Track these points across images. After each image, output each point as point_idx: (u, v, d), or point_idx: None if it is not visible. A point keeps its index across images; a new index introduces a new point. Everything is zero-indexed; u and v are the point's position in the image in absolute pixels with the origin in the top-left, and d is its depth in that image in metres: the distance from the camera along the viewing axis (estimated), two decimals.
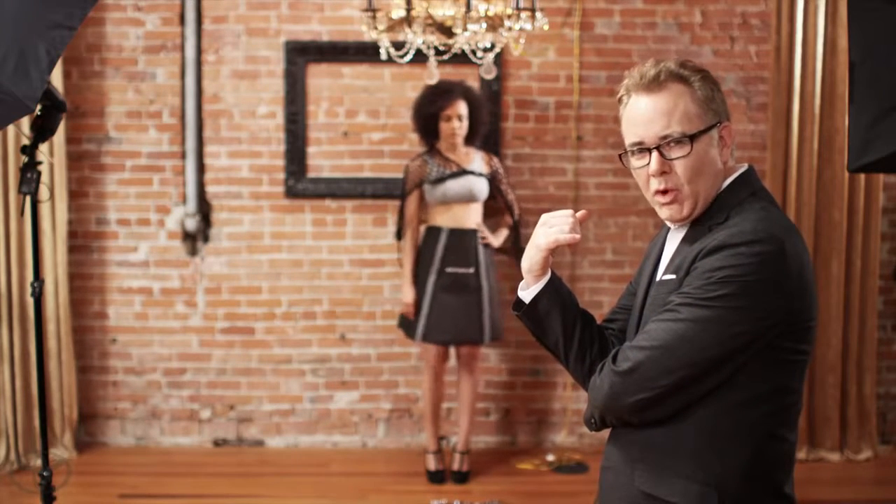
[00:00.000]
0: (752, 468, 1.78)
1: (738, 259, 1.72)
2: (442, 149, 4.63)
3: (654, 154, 1.85)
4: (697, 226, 1.87)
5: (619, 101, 1.94)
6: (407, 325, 4.67)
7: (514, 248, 4.70)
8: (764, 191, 1.90)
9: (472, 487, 4.56)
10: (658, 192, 1.87)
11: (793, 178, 4.89)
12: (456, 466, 4.69)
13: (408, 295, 4.62)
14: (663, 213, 1.89)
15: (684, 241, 1.89)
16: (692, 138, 1.82)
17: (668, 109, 1.85)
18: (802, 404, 1.89)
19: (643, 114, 1.87)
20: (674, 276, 1.83)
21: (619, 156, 1.96)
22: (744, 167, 1.91)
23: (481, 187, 4.62)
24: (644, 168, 1.89)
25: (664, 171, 1.85)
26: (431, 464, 4.70)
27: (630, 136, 1.93)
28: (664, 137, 1.84)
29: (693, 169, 1.83)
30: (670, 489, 1.80)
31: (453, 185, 4.58)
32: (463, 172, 4.58)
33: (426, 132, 4.63)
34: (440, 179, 4.57)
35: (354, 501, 4.44)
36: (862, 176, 4.87)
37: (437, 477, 4.66)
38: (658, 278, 1.90)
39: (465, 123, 4.58)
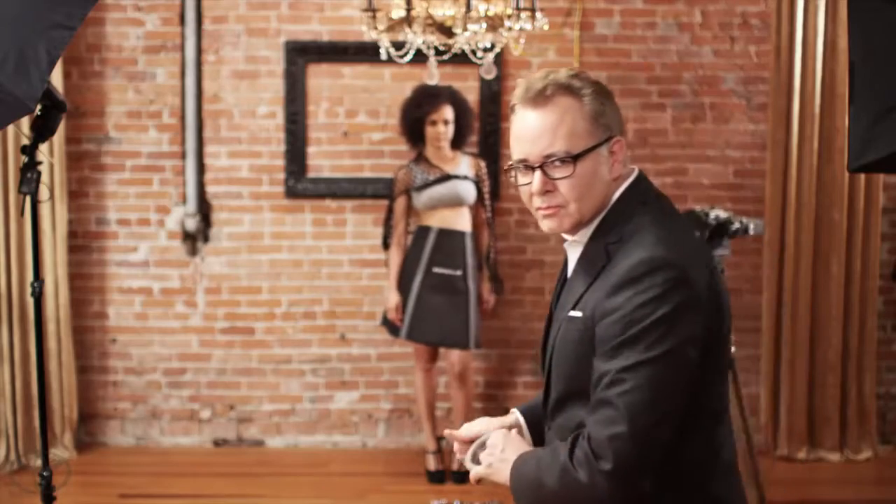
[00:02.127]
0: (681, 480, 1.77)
1: (647, 294, 1.67)
2: (428, 153, 4.65)
3: (538, 173, 1.77)
4: (593, 243, 1.81)
5: (511, 110, 1.84)
6: (390, 323, 4.69)
7: (491, 273, 4.80)
8: (654, 197, 1.87)
9: (472, 487, 4.53)
10: (539, 207, 1.81)
11: (793, 178, 4.89)
12: (456, 466, 4.69)
13: (391, 299, 4.64)
14: (544, 224, 1.83)
15: (583, 262, 1.83)
16: (576, 158, 1.76)
17: (554, 126, 1.77)
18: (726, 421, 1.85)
19: (528, 130, 1.78)
20: (580, 315, 1.77)
21: (505, 170, 1.89)
22: (633, 174, 1.86)
23: (468, 190, 4.63)
24: (528, 185, 1.80)
25: (548, 191, 1.78)
26: (431, 464, 4.70)
27: (515, 152, 1.82)
28: (548, 156, 1.76)
29: (577, 189, 1.77)
30: None
31: (439, 190, 4.59)
32: (447, 177, 4.59)
33: (412, 135, 4.67)
34: (425, 186, 4.59)
35: (354, 501, 4.44)
36: (862, 176, 4.86)
37: (436, 477, 4.66)
38: (566, 313, 1.81)
39: (451, 128, 4.60)
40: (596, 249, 1.79)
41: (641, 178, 1.87)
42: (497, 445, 1.85)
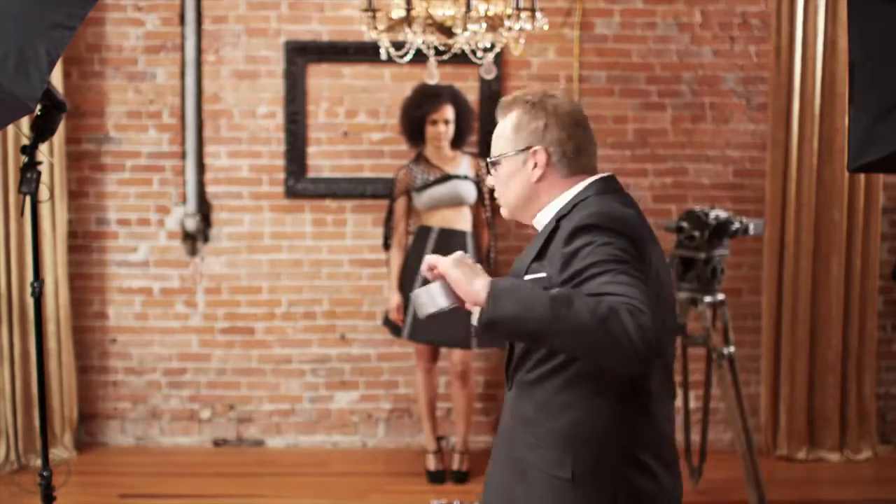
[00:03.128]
0: (602, 436, 1.90)
1: (597, 235, 1.87)
2: (428, 153, 4.65)
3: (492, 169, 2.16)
4: (546, 223, 2.06)
5: None
6: (392, 324, 4.68)
7: (492, 273, 4.74)
8: (613, 191, 2.04)
9: (472, 487, 4.55)
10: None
11: (793, 178, 4.89)
12: (456, 466, 4.69)
13: (392, 300, 4.64)
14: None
15: (538, 236, 2.08)
16: (494, 163, 2.13)
17: (497, 134, 2.14)
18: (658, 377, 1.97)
19: None
20: (545, 274, 1.92)
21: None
22: (588, 180, 2.06)
23: (469, 190, 4.63)
24: None
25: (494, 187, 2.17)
26: (431, 464, 4.70)
27: None
28: (492, 157, 2.15)
29: (498, 187, 2.14)
30: (539, 458, 1.93)
31: (439, 190, 4.59)
32: (447, 178, 4.59)
33: (412, 135, 4.66)
34: (425, 186, 4.58)
35: (354, 501, 4.44)
36: (862, 176, 4.87)
37: (436, 477, 4.66)
38: (522, 276, 2.00)
39: (452, 127, 4.60)
40: (548, 224, 2.04)
41: (600, 181, 2.06)
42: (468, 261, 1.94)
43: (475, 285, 1.86)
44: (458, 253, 1.95)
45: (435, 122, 4.58)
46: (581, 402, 1.91)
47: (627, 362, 1.74)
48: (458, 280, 1.88)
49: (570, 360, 1.91)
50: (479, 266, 1.93)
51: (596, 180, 2.07)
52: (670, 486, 1.97)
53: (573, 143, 2.06)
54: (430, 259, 1.95)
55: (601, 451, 1.90)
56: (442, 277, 1.93)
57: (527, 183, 2.08)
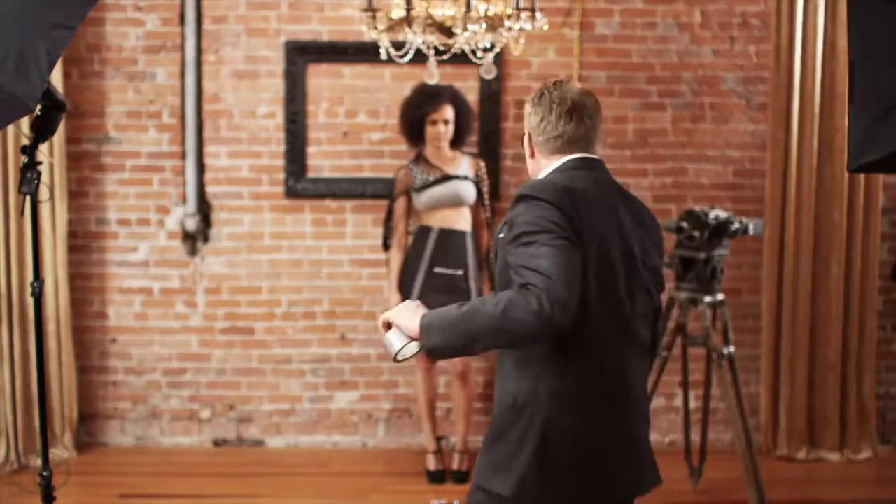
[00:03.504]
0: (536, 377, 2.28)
1: (530, 204, 2.23)
2: (427, 153, 4.65)
3: None
4: None
5: None
6: None
7: (492, 273, 4.75)
8: (580, 168, 2.39)
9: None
10: None
11: (792, 178, 4.89)
12: (455, 466, 4.70)
13: (392, 300, 4.64)
14: None
15: None
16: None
17: None
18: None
19: None
20: (501, 235, 2.31)
21: None
22: (566, 157, 2.41)
23: (468, 190, 4.63)
24: None
25: None
26: (431, 464, 4.70)
27: None
28: None
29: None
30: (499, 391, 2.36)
31: (439, 190, 4.59)
32: (447, 178, 4.59)
33: (412, 134, 4.66)
34: (425, 186, 4.58)
35: (354, 501, 4.45)
36: (862, 176, 4.87)
37: (436, 477, 4.66)
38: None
39: (451, 127, 4.60)
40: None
41: (571, 160, 2.40)
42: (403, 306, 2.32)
43: (414, 323, 2.23)
44: (406, 301, 2.33)
45: (435, 122, 4.58)
46: (525, 358, 2.29)
47: (540, 334, 2.11)
48: (402, 322, 2.26)
49: None
50: (419, 306, 2.28)
51: (571, 159, 2.40)
52: (596, 423, 2.27)
53: (557, 128, 2.39)
54: (382, 317, 2.33)
55: (532, 390, 2.26)
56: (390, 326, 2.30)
57: (528, 159, 2.50)
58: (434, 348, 2.21)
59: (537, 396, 2.26)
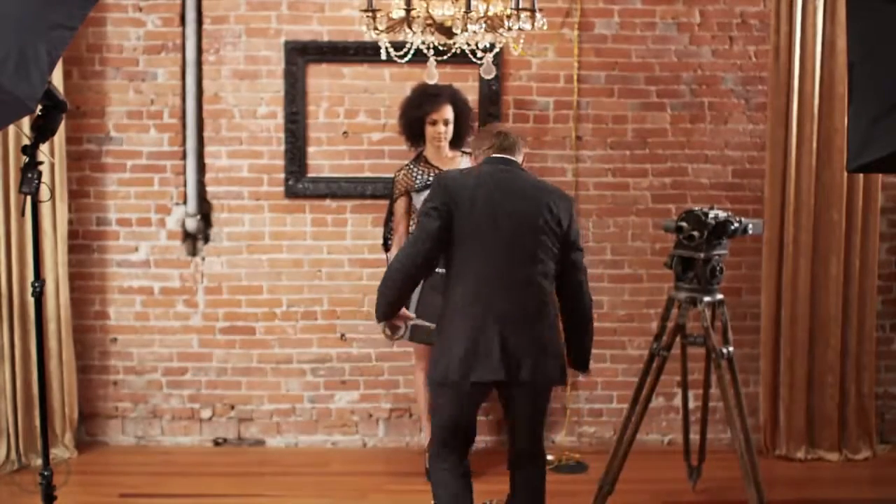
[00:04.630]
0: None
1: (430, 191, 3.41)
2: (427, 153, 4.65)
3: None
4: None
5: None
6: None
7: None
8: (484, 164, 3.46)
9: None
10: None
11: (791, 178, 4.90)
12: None
13: None
14: None
15: None
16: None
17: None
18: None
19: None
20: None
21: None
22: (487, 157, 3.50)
23: None
24: None
25: None
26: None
27: None
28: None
29: None
30: None
31: None
32: None
33: (411, 134, 4.66)
34: (426, 187, 4.58)
35: (354, 501, 4.45)
36: (861, 176, 4.87)
37: None
38: None
39: (451, 128, 4.60)
40: None
41: (486, 160, 3.48)
42: None
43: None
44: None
45: (434, 123, 4.58)
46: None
47: (401, 279, 3.37)
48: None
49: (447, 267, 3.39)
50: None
51: (486, 158, 3.47)
52: (456, 329, 3.30)
53: (485, 144, 3.52)
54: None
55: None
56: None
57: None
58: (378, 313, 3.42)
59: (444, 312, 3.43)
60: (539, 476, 3.48)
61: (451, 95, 4.63)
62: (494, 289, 3.29)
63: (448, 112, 4.58)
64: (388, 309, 3.38)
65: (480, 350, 3.24)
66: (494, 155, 3.44)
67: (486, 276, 3.29)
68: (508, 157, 3.43)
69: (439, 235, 3.27)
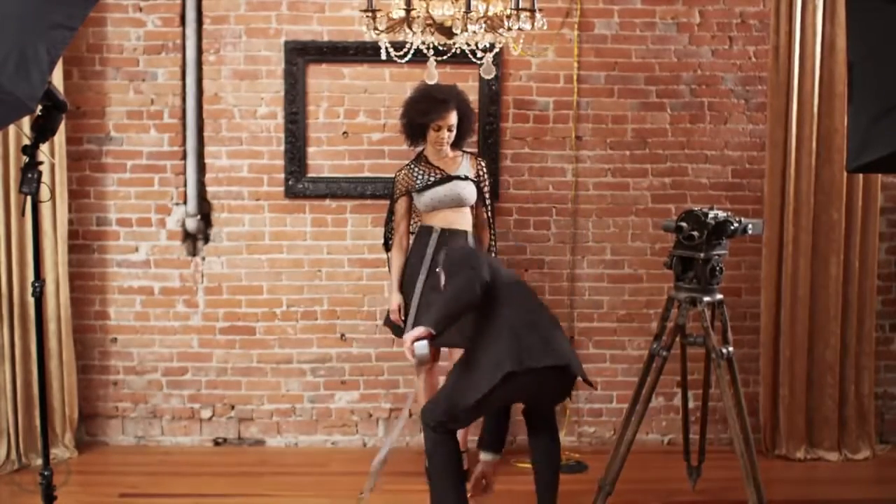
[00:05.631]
0: None
1: None
2: (428, 153, 4.65)
3: None
4: None
5: None
6: (394, 324, 4.68)
7: None
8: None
9: (470, 487, 4.55)
10: None
11: (791, 178, 4.90)
12: None
13: (393, 301, 4.64)
14: None
15: None
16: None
17: None
18: None
19: None
20: None
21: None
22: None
23: (469, 191, 4.62)
24: None
25: None
26: None
27: None
28: None
29: None
30: None
31: (440, 191, 4.58)
32: (448, 178, 4.59)
33: (412, 135, 4.64)
34: (426, 187, 4.58)
35: (354, 501, 4.45)
36: (860, 176, 4.88)
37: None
38: None
39: (454, 132, 4.59)
40: None
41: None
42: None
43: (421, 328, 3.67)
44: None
45: (439, 129, 4.56)
46: None
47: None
48: (416, 333, 3.68)
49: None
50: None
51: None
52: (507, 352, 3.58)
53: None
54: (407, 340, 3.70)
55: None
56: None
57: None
58: (433, 324, 3.61)
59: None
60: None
61: (457, 101, 4.58)
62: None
63: (453, 118, 4.56)
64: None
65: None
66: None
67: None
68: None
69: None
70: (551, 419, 3.95)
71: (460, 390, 3.64)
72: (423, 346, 3.54)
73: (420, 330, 3.56)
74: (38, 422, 4.69)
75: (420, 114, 4.55)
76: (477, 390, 3.56)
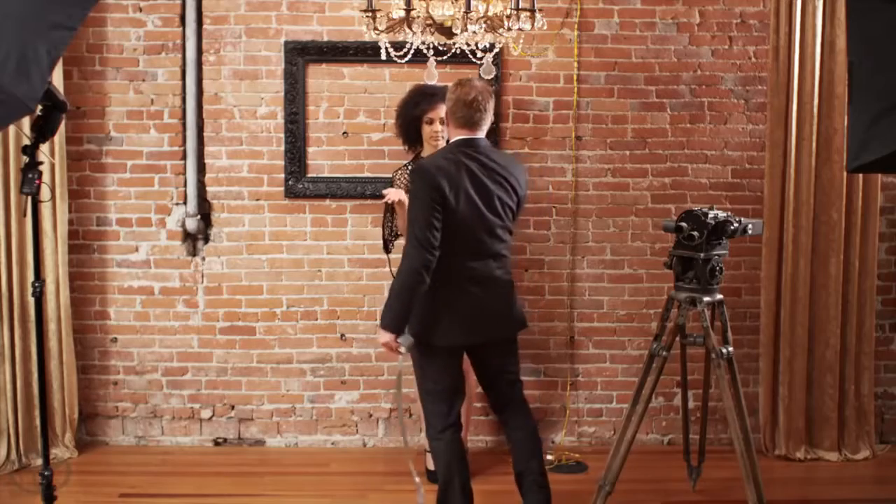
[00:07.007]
0: None
1: (415, 179, 3.64)
2: (425, 153, 4.65)
3: None
4: None
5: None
6: None
7: None
8: (453, 147, 3.71)
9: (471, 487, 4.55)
10: None
11: (791, 178, 4.90)
12: None
13: None
14: None
15: None
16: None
17: None
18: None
19: None
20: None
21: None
22: (456, 139, 3.74)
23: None
24: None
25: None
26: (431, 463, 4.70)
27: None
28: None
29: None
30: None
31: None
32: None
33: (408, 135, 4.63)
34: None
35: (354, 501, 4.45)
36: (860, 176, 4.88)
37: (436, 476, 4.66)
38: None
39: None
40: None
41: (454, 141, 3.74)
42: None
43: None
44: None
45: (431, 122, 4.57)
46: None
47: (420, 268, 3.56)
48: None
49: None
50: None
51: (455, 139, 3.72)
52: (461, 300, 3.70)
53: (455, 115, 3.72)
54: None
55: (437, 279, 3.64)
56: None
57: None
58: (386, 324, 3.63)
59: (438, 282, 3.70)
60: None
61: (446, 94, 4.60)
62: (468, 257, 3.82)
63: (444, 110, 4.56)
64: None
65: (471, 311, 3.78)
66: (462, 137, 3.71)
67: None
68: (473, 137, 3.71)
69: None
70: (518, 396, 3.97)
71: (425, 386, 3.86)
72: (406, 339, 3.62)
73: (386, 337, 3.65)
74: (38, 422, 4.69)
75: (411, 107, 4.56)
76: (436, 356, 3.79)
